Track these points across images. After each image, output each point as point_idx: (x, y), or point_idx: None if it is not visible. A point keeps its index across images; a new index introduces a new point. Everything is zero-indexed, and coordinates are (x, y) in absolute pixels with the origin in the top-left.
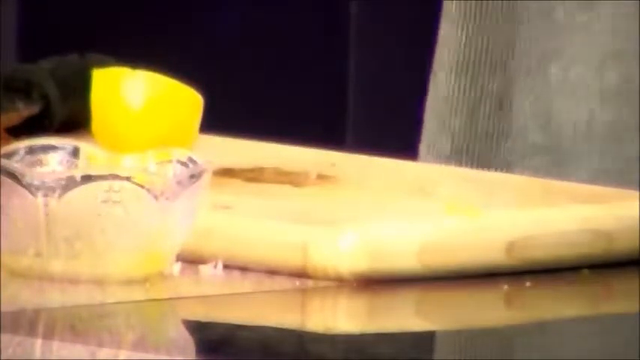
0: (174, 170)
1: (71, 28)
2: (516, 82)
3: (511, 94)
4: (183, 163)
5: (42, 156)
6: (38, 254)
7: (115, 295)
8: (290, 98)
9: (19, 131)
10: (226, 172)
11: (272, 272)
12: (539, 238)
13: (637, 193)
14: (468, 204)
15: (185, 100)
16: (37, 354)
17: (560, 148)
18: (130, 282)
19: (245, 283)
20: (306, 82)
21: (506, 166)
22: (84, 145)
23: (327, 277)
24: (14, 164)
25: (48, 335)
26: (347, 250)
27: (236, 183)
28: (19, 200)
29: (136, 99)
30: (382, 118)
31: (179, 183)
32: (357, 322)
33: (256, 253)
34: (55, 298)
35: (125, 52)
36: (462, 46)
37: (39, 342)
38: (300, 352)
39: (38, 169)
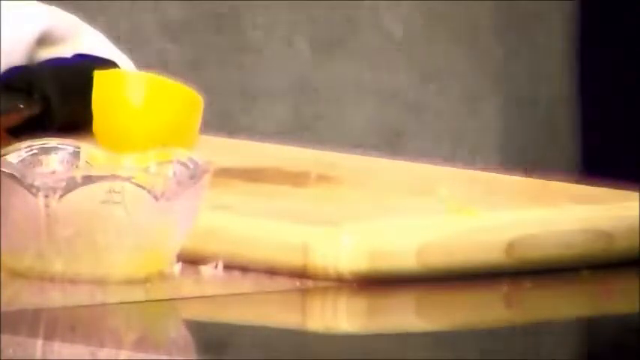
0: (175, 171)
1: None
2: None
3: None
4: (184, 164)
5: (43, 156)
6: (39, 254)
7: (115, 295)
8: None
9: (20, 131)
10: (226, 172)
11: (272, 272)
12: (539, 238)
13: (637, 193)
14: (468, 204)
15: (185, 101)
16: (38, 354)
17: None
18: (130, 282)
19: (245, 283)
20: None
21: None
22: (85, 146)
23: (327, 277)
24: (15, 165)
25: (48, 335)
26: (347, 250)
27: (236, 183)
28: (19, 201)
29: (137, 100)
30: None
31: (179, 183)
32: (357, 322)
33: (256, 253)
34: (55, 298)
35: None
36: None
37: (39, 342)
38: (300, 352)
39: (39, 170)
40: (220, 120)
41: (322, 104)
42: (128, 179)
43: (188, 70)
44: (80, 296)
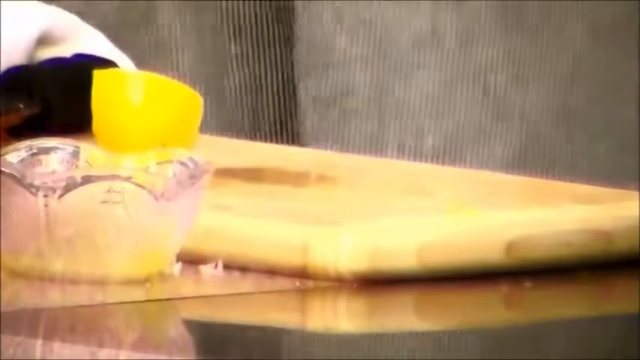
0: (175, 171)
1: None
2: None
3: None
4: (184, 164)
5: (42, 156)
6: (38, 254)
7: (115, 295)
8: None
9: (20, 131)
10: (226, 172)
11: (272, 272)
12: (539, 238)
13: (637, 193)
14: (468, 204)
15: (185, 101)
16: (38, 354)
17: None
18: (130, 282)
19: (245, 283)
20: None
21: None
22: (84, 146)
23: (327, 277)
24: (15, 164)
25: (48, 335)
26: (347, 250)
27: (236, 183)
28: (19, 200)
29: (137, 99)
30: None
31: (179, 183)
32: (357, 322)
33: (256, 253)
34: (55, 298)
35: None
36: None
37: (39, 342)
38: (300, 352)
39: (38, 170)
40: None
41: None
42: (128, 179)
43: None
44: (80, 296)
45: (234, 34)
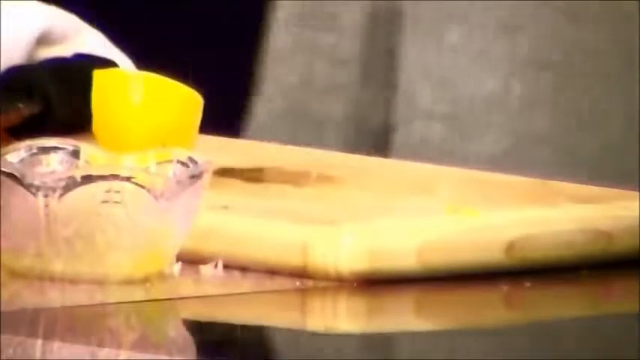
0: (175, 170)
1: None
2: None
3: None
4: (184, 163)
5: (42, 156)
6: (38, 254)
7: (115, 295)
8: None
9: (19, 131)
10: (226, 172)
11: (272, 272)
12: (539, 238)
13: (637, 193)
14: (468, 204)
15: (185, 100)
16: (38, 354)
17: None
18: (130, 282)
19: (245, 283)
20: None
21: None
22: (84, 146)
23: (327, 277)
24: (15, 164)
25: (48, 335)
26: (347, 250)
27: (236, 183)
28: (19, 200)
29: (137, 99)
30: None
31: (179, 183)
32: (357, 322)
33: (256, 253)
34: (55, 298)
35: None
36: None
37: (39, 342)
38: (300, 352)
39: (38, 170)
40: None
41: None
42: (128, 179)
43: None
44: (80, 296)
45: None
